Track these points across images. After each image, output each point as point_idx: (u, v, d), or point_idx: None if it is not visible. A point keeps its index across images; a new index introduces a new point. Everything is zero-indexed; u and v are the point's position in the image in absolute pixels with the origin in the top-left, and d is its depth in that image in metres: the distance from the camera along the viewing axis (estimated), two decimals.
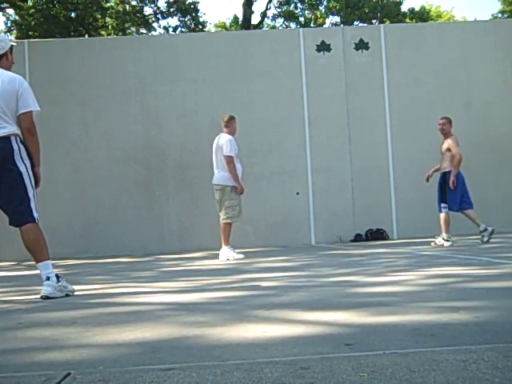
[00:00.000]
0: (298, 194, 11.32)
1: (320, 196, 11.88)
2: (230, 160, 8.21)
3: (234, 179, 8.22)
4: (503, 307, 3.00)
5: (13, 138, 4.29)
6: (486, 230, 8.72)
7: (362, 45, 12.25)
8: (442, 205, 8.83)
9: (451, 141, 8.84)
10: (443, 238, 8.77)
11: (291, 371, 1.89)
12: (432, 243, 8.88)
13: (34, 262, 4.43)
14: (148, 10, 26.65)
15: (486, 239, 8.68)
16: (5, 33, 23.73)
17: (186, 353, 2.24)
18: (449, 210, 8.79)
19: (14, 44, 4.67)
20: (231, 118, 8.51)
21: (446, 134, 8.98)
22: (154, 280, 5.72)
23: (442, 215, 8.83)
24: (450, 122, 9.02)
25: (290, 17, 28.21)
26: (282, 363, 1.99)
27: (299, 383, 1.77)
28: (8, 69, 4.46)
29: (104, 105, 11.93)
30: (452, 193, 8.72)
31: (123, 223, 11.73)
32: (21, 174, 4.29)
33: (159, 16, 26.41)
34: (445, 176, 8.88)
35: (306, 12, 28.85)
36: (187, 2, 25.83)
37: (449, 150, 8.90)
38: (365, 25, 25.40)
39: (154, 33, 26.55)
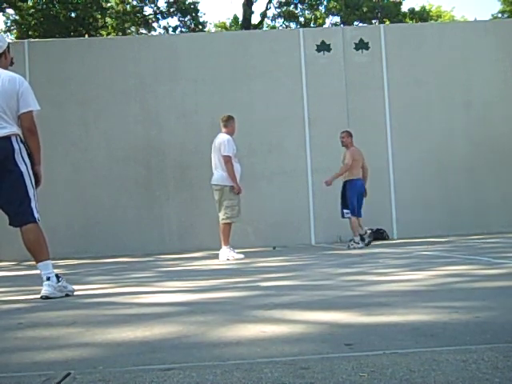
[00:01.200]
0: (274, 248, 10.95)
1: (320, 196, 11.87)
2: (227, 160, 8.21)
3: (232, 179, 8.22)
4: (503, 307, 3.00)
5: (13, 138, 4.29)
6: (358, 242, 9.26)
7: (361, 45, 12.25)
8: (345, 211, 9.37)
9: (348, 153, 9.40)
10: (354, 241, 9.28)
11: (291, 371, 1.89)
12: (349, 245, 9.31)
13: (34, 262, 4.43)
14: (148, 10, 26.69)
15: (352, 247, 9.22)
16: (5, 32, 23.74)
17: (186, 353, 2.24)
18: (352, 215, 9.33)
19: (10, 42, 4.67)
20: (230, 118, 8.51)
21: (347, 146, 9.53)
22: (154, 280, 5.73)
23: (352, 220, 9.38)
24: (349, 135, 9.58)
25: (290, 17, 28.20)
26: (282, 363, 1.99)
27: (299, 383, 1.77)
28: (6, 68, 4.46)
29: (104, 105, 11.93)
30: (351, 200, 9.32)
31: (123, 223, 11.73)
32: (22, 174, 4.29)
33: (159, 16, 26.42)
34: (345, 185, 9.41)
35: (306, 12, 28.84)
36: (187, 2, 25.83)
37: (344, 159, 9.48)
38: (365, 25, 25.41)
39: (153, 33, 26.55)
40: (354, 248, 9.10)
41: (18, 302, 4.33)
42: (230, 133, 8.42)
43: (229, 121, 8.48)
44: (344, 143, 9.53)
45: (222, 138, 8.34)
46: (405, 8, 29.63)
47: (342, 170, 9.35)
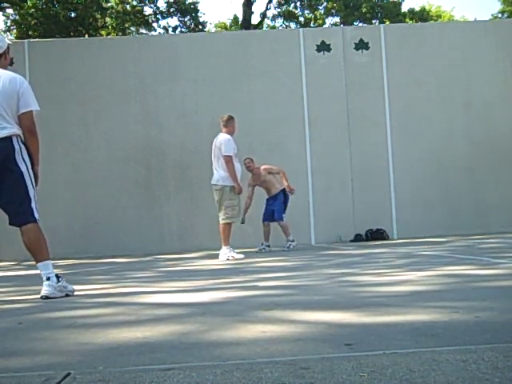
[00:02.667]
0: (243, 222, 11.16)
1: (320, 196, 11.88)
2: (228, 160, 8.21)
3: (233, 179, 8.22)
4: (503, 307, 3.00)
5: (14, 138, 4.30)
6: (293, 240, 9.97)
7: (361, 45, 12.26)
8: (284, 215, 10.01)
9: (268, 168, 10.01)
10: (290, 240, 9.93)
11: (291, 371, 1.89)
12: (286, 248, 9.84)
13: (34, 262, 4.43)
14: (148, 10, 26.69)
15: (291, 246, 9.86)
16: (4, 32, 23.74)
17: (186, 353, 2.24)
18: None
19: (10, 43, 4.68)
20: (230, 118, 8.50)
21: (255, 170, 10.01)
22: (154, 280, 5.72)
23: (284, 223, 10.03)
24: (252, 160, 10.07)
25: (289, 17, 28.19)
26: (282, 363, 1.99)
27: (299, 383, 1.77)
28: (5, 68, 4.48)
29: (104, 105, 11.94)
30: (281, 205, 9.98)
31: (123, 223, 11.73)
32: (22, 174, 4.30)
33: (159, 16, 26.42)
34: (284, 192, 9.93)
35: (306, 12, 28.82)
36: (187, 2, 25.83)
37: (269, 174, 9.97)
38: (365, 25, 25.41)
39: (153, 33, 26.55)
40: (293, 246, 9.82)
41: (18, 302, 4.33)
42: (230, 133, 8.42)
43: (229, 121, 8.47)
44: (251, 168, 9.95)
45: (222, 137, 8.34)
46: (404, 8, 29.64)
47: (284, 177, 9.88)
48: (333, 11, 28.12)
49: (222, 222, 8.31)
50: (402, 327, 2.55)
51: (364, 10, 27.01)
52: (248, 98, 12.03)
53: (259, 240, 11.76)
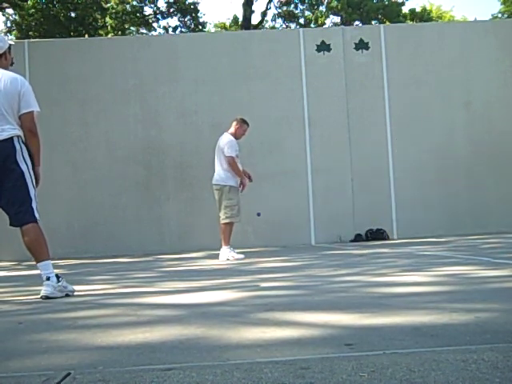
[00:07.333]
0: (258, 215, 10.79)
1: (320, 196, 11.87)
2: (230, 160, 8.20)
3: (238, 176, 8.25)
4: (503, 307, 3.00)
5: (15, 139, 4.32)
6: None
7: (362, 45, 12.25)
8: None
9: None
10: None
11: (291, 371, 1.89)
12: None
13: (34, 262, 4.43)
14: (148, 10, 26.69)
15: None
16: (5, 33, 23.74)
17: (186, 353, 2.24)
18: None
19: (12, 43, 4.68)
20: (241, 121, 8.47)
21: None
22: (154, 280, 5.72)
23: None
24: None
25: (290, 17, 28.17)
26: (282, 363, 1.99)
27: (299, 383, 1.77)
28: (6, 68, 4.49)
29: (104, 105, 11.93)
30: None
31: (123, 223, 11.72)
32: (23, 173, 4.31)
33: (159, 16, 26.42)
34: None
35: (306, 12, 28.79)
36: (187, 2, 25.83)
37: None
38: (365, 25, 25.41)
39: (153, 33, 26.55)
40: None
41: (18, 302, 4.33)
42: (234, 135, 8.40)
43: (238, 123, 8.45)
44: None
45: (225, 138, 8.33)
46: (406, 10, 29.64)
47: None
48: (335, 10, 28.07)
49: (221, 221, 8.31)
50: (402, 327, 2.55)
51: (367, 7, 26.96)
52: (248, 98, 12.02)
53: (259, 240, 11.78)
